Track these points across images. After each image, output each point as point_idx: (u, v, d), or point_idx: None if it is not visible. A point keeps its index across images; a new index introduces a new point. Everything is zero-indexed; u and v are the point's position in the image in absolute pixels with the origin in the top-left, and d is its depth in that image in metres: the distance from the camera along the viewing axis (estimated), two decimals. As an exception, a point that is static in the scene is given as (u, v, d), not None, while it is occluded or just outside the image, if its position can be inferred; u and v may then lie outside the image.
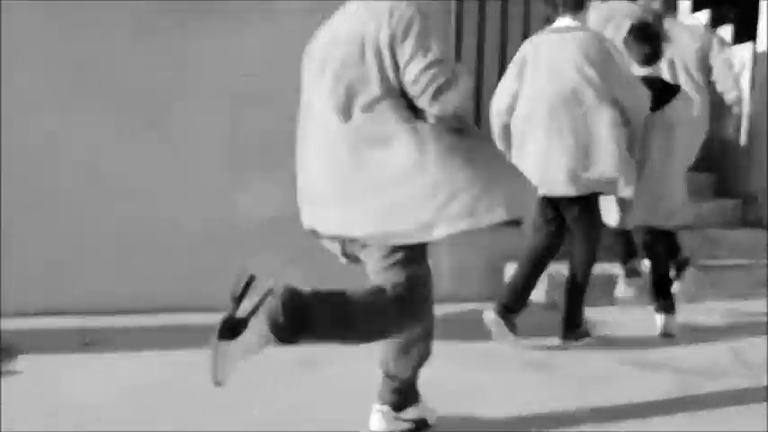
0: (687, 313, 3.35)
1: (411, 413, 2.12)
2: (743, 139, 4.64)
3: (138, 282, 3.30)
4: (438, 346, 2.89)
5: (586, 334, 3.04)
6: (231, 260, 3.42)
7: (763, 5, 4.40)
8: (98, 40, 3.17)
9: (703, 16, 5.47)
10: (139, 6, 3.20)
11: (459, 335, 3.12)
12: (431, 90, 1.78)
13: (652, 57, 3.14)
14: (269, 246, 3.46)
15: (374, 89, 1.82)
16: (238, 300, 1.73)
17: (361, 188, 1.84)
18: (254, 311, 1.69)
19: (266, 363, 2.67)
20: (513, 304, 2.96)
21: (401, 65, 1.81)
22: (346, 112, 1.86)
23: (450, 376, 2.60)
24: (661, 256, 3.19)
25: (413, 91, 1.81)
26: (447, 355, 2.81)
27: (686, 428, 2.16)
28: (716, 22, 5.54)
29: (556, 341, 3.01)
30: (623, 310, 3.58)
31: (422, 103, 1.82)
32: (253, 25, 3.35)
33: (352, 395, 2.37)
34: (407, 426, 2.10)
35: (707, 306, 3.17)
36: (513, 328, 2.93)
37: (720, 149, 4.87)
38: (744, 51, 4.95)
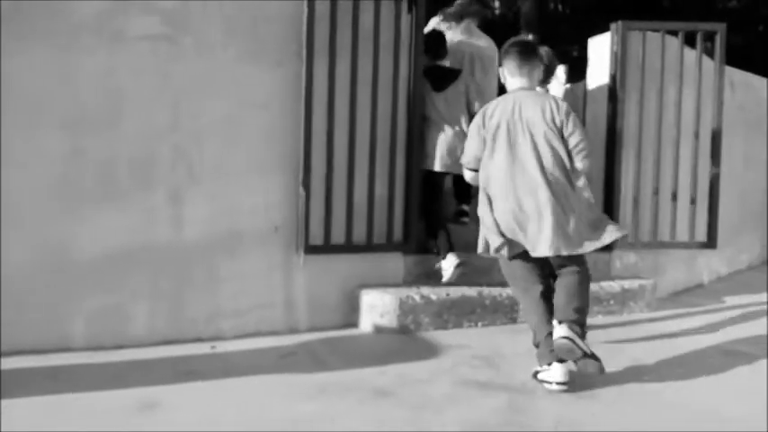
0: (520, 333, 3.55)
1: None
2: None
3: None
4: (291, 378, 2.89)
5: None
6: (63, 297, 3.21)
7: (591, 47, 4.84)
8: None
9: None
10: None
11: (317, 365, 3.13)
12: (582, 152, 2.99)
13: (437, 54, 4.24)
14: (109, 280, 3.29)
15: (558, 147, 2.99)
16: None
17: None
18: None
19: (103, 404, 2.54)
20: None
21: (566, 135, 2.99)
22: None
23: (301, 406, 2.59)
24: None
25: (574, 151, 2.99)
26: (302, 384, 2.81)
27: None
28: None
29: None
30: (471, 331, 3.74)
31: (578, 158, 2.99)
32: (89, 47, 3.19)
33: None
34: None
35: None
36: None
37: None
38: (578, 89, 5.43)
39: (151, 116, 3.35)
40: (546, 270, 3.07)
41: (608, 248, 4.50)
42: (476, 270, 4.21)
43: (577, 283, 2.97)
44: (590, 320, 3.52)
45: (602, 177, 4.55)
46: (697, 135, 4.59)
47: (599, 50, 4.72)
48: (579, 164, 2.99)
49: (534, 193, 2.92)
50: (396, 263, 4.01)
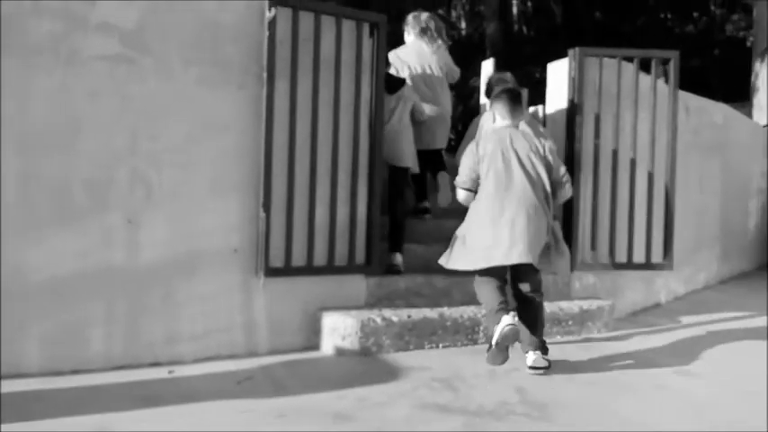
0: (479, 354, 3.59)
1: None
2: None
3: None
4: (250, 403, 2.86)
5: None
6: (18, 321, 3.13)
7: (550, 72, 4.95)
8: None
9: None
10: None
11: (276, 389, 3.10)
12: (568, 182, 3.68)
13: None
14: (66, 304, 3.22)
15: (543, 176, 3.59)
16: None
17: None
18: None
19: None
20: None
21: (554, 165, 3.64)
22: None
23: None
24: (400, 196, 4.46)
25: (559, 179, 3.65)
26: (261, 409, 2.78)
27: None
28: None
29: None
30: (431, 353, 3.75)
31: (561, 185, 3.66)
32: (44, 67, 3.14)
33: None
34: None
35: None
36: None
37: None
38: (538, 112, 5.54)
39: (109, 138, 3.31)
40: (506, 276, 3.58)
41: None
42: (436, 291, 4.25)
43: (538, 316, 3.57)
44: (548, 341, 3.60)
45: (562, 200, 4.62)
46: (653, 158, 4.71)
47: (558, 75, 4.83)
48: (566, 190, 3.71)
49: (521, 211, 3.46)
50: (358, 285, 4.01)
